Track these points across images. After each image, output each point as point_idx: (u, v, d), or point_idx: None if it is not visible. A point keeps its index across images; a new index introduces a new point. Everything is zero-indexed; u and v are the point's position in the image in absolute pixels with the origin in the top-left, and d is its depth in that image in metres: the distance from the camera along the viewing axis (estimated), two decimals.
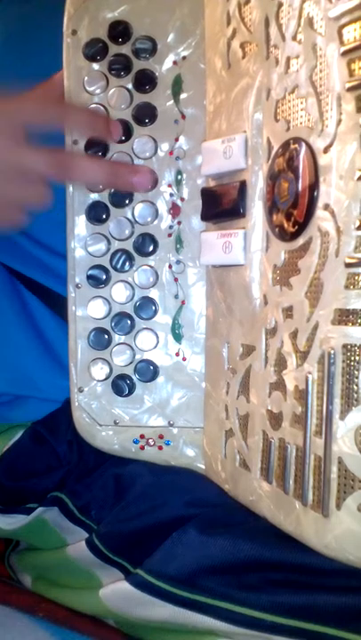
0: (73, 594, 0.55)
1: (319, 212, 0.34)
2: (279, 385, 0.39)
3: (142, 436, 0.49)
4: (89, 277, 0.49)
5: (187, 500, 0.49)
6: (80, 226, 0.49)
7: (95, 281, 0.49)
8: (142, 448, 0.50)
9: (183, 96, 0.48)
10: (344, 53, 0.32)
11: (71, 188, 0.49)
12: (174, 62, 0.48)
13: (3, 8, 0.56)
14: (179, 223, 0.48)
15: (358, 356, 0.33)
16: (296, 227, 0.36)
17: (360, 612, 0.40)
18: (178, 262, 0.48)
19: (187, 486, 0.50)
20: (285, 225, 0.37)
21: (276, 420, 0.39)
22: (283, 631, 0.41)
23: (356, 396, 0.33)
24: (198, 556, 0.45)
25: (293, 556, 0.42)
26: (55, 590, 0.56)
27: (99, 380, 0.50)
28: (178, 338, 0.49)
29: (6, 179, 0.45)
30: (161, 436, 0.49)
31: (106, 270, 0.49)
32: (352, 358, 0.33)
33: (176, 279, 0.49)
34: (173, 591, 0.44)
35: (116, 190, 0.48)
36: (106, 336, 0.49)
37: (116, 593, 0.48)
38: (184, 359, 0.49)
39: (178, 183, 0.48)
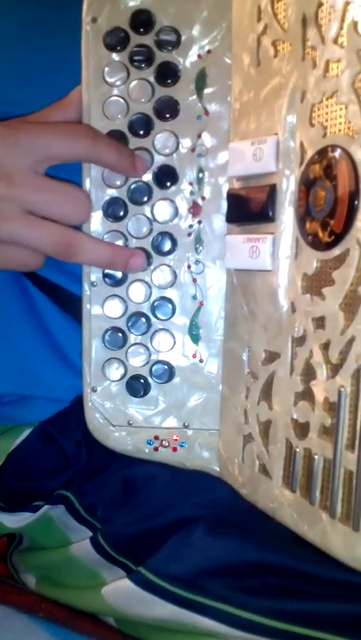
0: (76, 592, 0.55)
1: (359, 224, 0.34)
2: (306, 395, 0.38)
3: (156, 438, 0.49)
4: (105, 275, 0.48)
5: (197, 502, 0.49)
6: (94, 222, 0.48)
7: (111, 279, 0.48)
8: (156, 449, 0.49)
9: (207, 91, 0.46)
10: None
11: (88, 184, 0.47)
12: (199, 56, 0.46)
13: None
14: (199, 223, 0.47)
15: None
16: (333, 237, 0.35)
17: (358, 619, 0.40)
18: (197, 262, 0.47)
19: (198, 488, 0.49)
20: (320, 234, 0.36)
21: (301, 429, 0.39)
22: (281, 636, 0.41)
23: None
24: (201, 557, 0.45)
25: (297, 562, 0.42)
26: (59, 590, 0.56)
27: (113, 381, 0.49)
28: (195, 339, 0.48)
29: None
30: (175, 438, 0.49)
31: None
32: None
33: (195, 280, 0.48)
34: (174, 591, 0.44)
35: (136, 187, 0.47)
36: (121, 336, 0.48)
37: (118, 590, 0.48)
38: (201, 361, 0.48)
39: (199, 181, 0.47)
